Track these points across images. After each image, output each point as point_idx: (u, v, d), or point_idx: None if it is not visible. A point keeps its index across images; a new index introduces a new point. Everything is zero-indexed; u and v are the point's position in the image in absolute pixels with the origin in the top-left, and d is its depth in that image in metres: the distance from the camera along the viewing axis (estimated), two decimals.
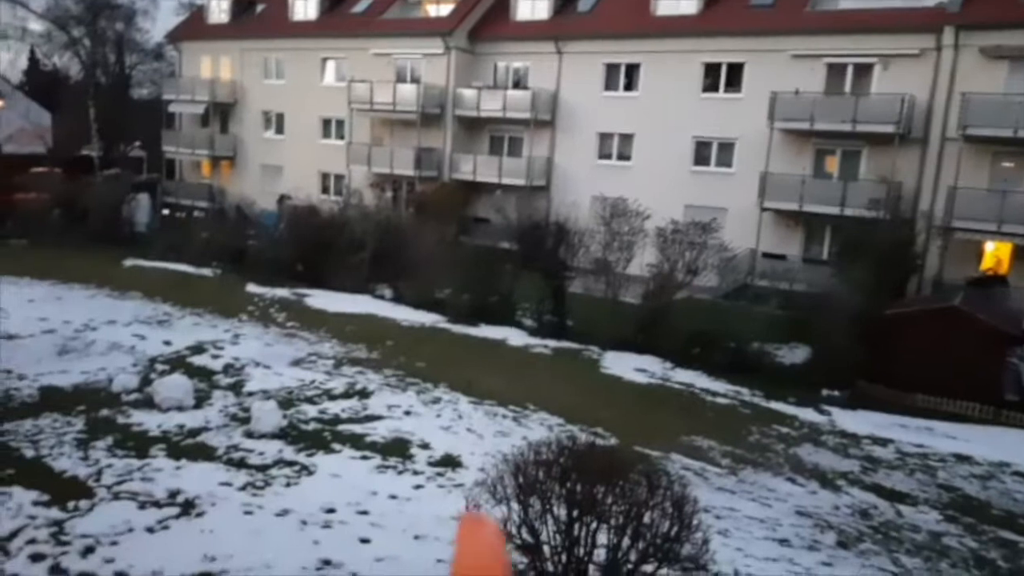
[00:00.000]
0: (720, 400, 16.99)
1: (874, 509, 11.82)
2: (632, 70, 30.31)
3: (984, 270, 23.98)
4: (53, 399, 12.63)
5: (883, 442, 15.11)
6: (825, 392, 18.11)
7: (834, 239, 26.30)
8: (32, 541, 8.05)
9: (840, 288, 19.68)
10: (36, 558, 7.73)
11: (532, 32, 32.08)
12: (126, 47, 47.94)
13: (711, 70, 28.65)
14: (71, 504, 8.90)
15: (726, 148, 28.49)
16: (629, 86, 30.48)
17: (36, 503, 8.87)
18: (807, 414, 16.60)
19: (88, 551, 7.92)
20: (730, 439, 14.27)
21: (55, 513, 8.67)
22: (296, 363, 16.08)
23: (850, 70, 26.25)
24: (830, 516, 11.30)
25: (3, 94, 47.34)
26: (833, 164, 27.04)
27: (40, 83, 56.86)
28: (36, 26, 50.01)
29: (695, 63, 28.63)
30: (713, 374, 18.64)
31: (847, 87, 26.22)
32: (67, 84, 51.71)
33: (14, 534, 8.17)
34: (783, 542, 10.11)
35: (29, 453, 10.39)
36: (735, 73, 28.20)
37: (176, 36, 43.32)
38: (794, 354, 20.07)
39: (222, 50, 40.92)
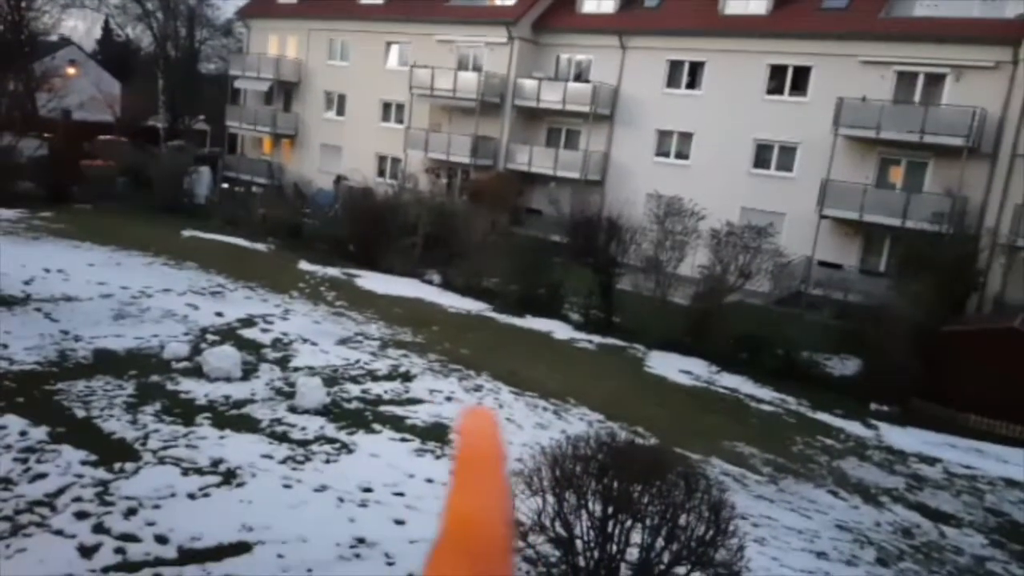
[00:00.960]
0: (765, 407, 16.73)
1: (917, 528, 11.53)
2: (696, 68, 29.91)
3: None
4: (106, 362, 12.96)
5: (931, 461, 14.74)
6: (874, 406, 17.72)
7: (893, 251, 25.66)
8: (78, 499, 8.27)
9: (897, 301, 19.20)
10: (81, 516, 7.94)
11: (597, 25, 31.84)
12: (197, 21, 48.94)
13: (777, 72, 28.14)
14: (117, 465, 9.12)
15: (787, 152, 27.98)
16: (692, 84, 30.10)
17: (84, 462, 9.11)
18: (854, 427, 16.26)
19: (131, 512, 8.11)
20: (773, 447, 14.04)
21: (101, 473, 8.90)
22: (343, 342, 16.26)
23: (921, 79, 25.54)
24: (871, 532, 11.06)
25: (76, 62, 48.68)
26: (897, 174, 26.37)
27: (112, 53, 58.46)
28: None
29: (761, 64, 28.14)
30: (759, 380, 18.37)
31: (917, 96, 25.51)
32: (138, 55, 53.08)
33: (61, 491, 8.40)
34: (821, 555, 9.93)
35: (80, 413, 10.67)
36: (801, 76, 27.65)
37: (246, 13, 43.99)
38: (844, 365, 19.66)
39: (289, 29, 41.46)
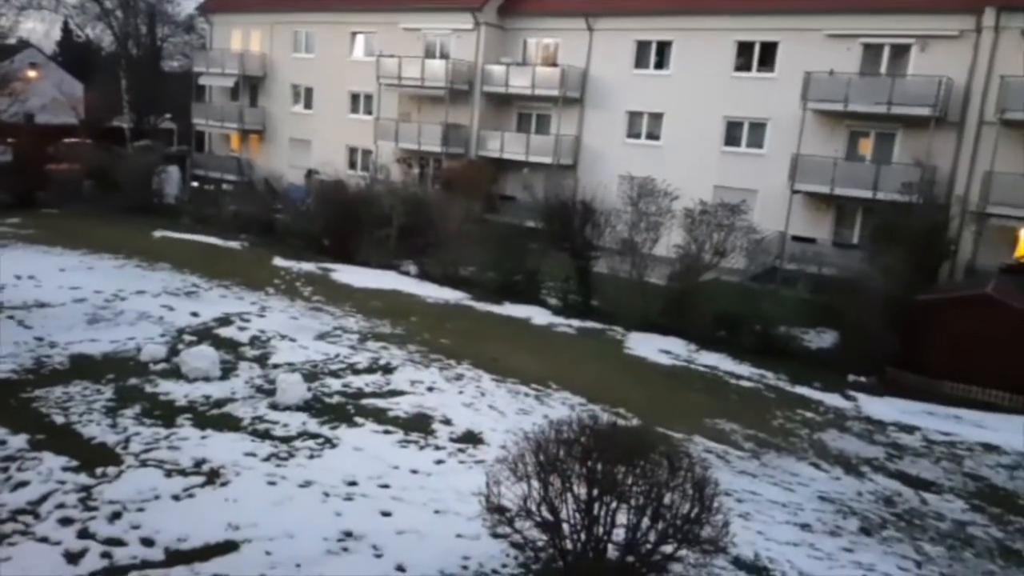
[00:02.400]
0: (744, 383, 16.88)
1: (898, 496, 11.71)
2: (663, 48, 29.97)
3: (1018, 257, 23.53)
4: (83, 367, 12.81)
5: (909, 429, 14.95)
6: (852, 378, 17.93)
7: (865, 223, 25.96)
8: (61, 505, 8.18)
9: (871, 273, 19.43)
10: (65, 522, 7.87)
11: (563, 8, 31.77)
12: (158, 19, 48.24)
13: (744, 49, 28.26)
14: (99, 470, 9.04)
15: (757, 128, 28.14)
16: (660, 64, 30.16)
17: (65, 468, 9.01)
18: (833, 399, 16.45)
19: (115, 516, 8.04)
20: (754, 423, 14.18)
21: (84, 479, 8.81)
22: (321, 337, 16.18)
23: (887, 51, 25.76)
24: (853, 502, 11.22)
25: (37, 64, 47.84)
26: (866, 146, 26.62)
27: (73, 54, 57.54)
28: None
29: (728, 41, 28.23)
30: (738, 357, 18.53)
31: (883, 68, 25.75)
32: (99, 55, 52.19)
33: (44, 498, 8.31)
34: (805, 527, 10.05)
35: (59, 419, 10.55)
36: (768, 52, 27.79)
37: (207, 8, 43.43)
38: (821, 339, 19.87)
39: (252, 23, 40.99)
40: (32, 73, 44.38)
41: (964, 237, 23.73)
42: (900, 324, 17.88)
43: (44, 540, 7.54)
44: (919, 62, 25.00)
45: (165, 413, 11.13)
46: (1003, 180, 22.93)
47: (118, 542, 7.60)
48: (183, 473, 9.21)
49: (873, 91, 24.86)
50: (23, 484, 8.58)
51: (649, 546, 6.79)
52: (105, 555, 7.38)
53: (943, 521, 10.97)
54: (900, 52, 25.55)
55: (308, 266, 23.34)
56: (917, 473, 12.78)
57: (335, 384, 13.15)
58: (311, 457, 10.09)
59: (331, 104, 38.00)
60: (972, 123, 24.23)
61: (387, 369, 14.32)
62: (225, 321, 16.46)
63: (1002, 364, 17.06)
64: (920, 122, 24.47)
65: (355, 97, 37.34)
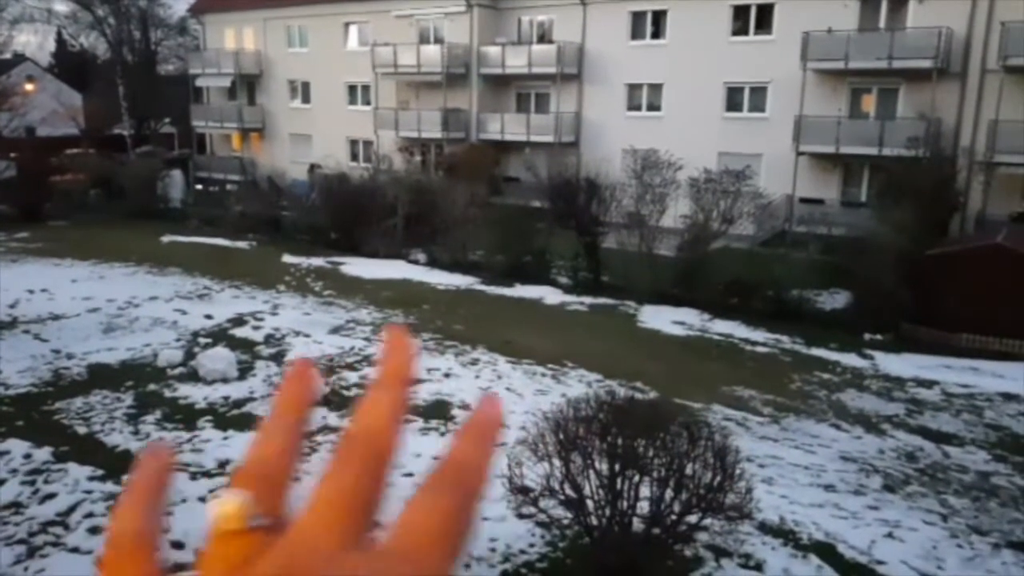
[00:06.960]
0: (760, 349, 16.86)
1: (920, 452, 11.70)
2: (659, 17, 29.69)
3: None
4: (102, 376, 12.91)
5: (928, 384, 14.91)
6: (867, 336, 17.87)
7: (873, 181, 25.77)
8: (90, 515, 8.29)
9: (880, 230, 19.31)
10: (95, 531, 7.97)
11: None
12: (150, 23, 48.16)
13: (740, 12, 27.97)
14: (125, 477, 9.14)
15: (758, 92, 27.90)
16: (656, 34, 29.90)
17: (91, 478, 9.12)
18: (849, 359, 16.42)
19: None
20: (771, 387, 14.18)
21: (110, 487, 8.91)
22: (335, 331, 16.24)
23: (884, 4, 25.45)
24: (876, 460, 11.22)
25: (34, 77, 47.91)
26: (869, 103, 26.38)
27: (69, 64, 57.49)
28: (61, 7, 50.53)
29: (723, 6, 27.95)
30: (752, 323, 18.49)
31: (882, 22, 25.44)
32: (95, 64, 52.22)
33: (72, 508, 8.42)
34: (828, 488, 10.08)
35: (82, 430, 10.66)
36: (765, 14, 27.50)
37: (198, 8, 43.28)
38: (835, 300, 19.81)
39: (244, 21, 40.83)
40: (29, 86, 44.42)
41: (973, 188, 23.52)
42: (913, 279, 17.78)
43: (75, 550, 7.65)
44: (918, 14, 24.69)
45: (186, 417, 11.22)
46: (1009, 128, 22.68)
47: None
48: (208, 475, 9.30)
49: (873, 46, 24.60)
50: (51, 496, 8.69)
51: (674, 517, 6.82)
52: None
53: (966, 473, 10.96)
54: (898, 5, 25.23)
55: (317, 261, 23.39)
56: (938, 427, 12.76)
57: (352, 377, 13.22)
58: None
59: (329, 97, 37.90)
60: (975, 72, 23.96)
61: None
62: (239, 321, 16.53)
63: (1017, 313, 16.93)
64: (922, 75, 24.21)
65: (352, 88, 37.23)
